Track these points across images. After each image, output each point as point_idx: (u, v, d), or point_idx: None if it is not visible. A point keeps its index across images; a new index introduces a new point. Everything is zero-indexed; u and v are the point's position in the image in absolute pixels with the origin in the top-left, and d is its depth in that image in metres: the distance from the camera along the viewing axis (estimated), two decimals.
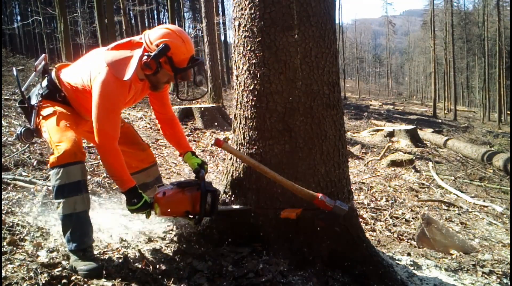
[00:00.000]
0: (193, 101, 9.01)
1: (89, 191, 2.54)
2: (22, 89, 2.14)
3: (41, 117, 2.03)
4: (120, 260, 1.87)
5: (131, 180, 1.96)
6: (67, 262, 1.82)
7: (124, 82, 1.88)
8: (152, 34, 1.92)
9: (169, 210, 1.98)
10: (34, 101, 2.09)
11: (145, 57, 1.88)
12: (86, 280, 1.70)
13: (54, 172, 1.86)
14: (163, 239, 2.19)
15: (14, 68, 2.51)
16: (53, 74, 2.12)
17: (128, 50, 1.96)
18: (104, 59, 1.91)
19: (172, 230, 2.29)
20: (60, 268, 1.73)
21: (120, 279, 1.74)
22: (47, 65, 2.21)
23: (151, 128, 6.46)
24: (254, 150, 2.08)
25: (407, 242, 3.23)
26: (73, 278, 1.69)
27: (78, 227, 1.84)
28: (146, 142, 2.53)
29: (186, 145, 2.30)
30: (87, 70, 1.96)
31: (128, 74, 1.87)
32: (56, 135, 1.93)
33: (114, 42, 2.07)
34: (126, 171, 1.96)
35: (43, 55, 2.27)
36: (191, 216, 2.00)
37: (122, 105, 2.00)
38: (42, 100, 2.06)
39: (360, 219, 3.32)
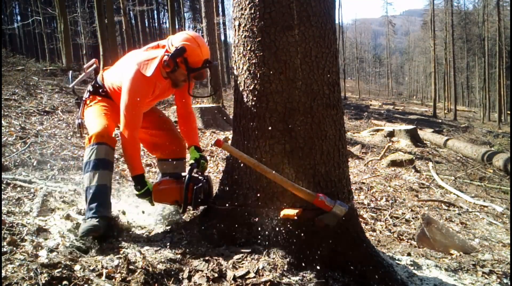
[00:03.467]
0: (195, 100, 9.09)
1: None
2: (72, 86, 2.64)
3: (86, 107, 2.46)
4: (120, 260, 1.87)
5: (141, 169, 2.30)
6: (68, 262, 1.82)
7: (149, 78, 2.21)
8: (175, 38, 2.24)
9: (161, 198, 2.31)
10: (85, 96, 2.53)
11: (165, 57, 2.20)
12: (86, 280, 1.70)
13: (87, 150, 2.20)
14: (163, 239, 2.19)
15: (70, 71, 2.95)
16: (99, 76, 2.54)
17: (156, 51, 2.31)
18: (135, 60, 2.26)
19: (172, 230, 2.30)
20: (60, 268, 1.73)
21: (120, 279, 1.74)
22: (98, 68, 2.64)
23: None
24: (254, 150, 2.08)
25: (407, 242, 3.23)
26: (73, 278, 1.69)
27: (97, 196, 2.13)
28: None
29: (194, 140, 2.56)
30: (121, 71, 2.33)
31: (150, 71, 2.20)
32: (92, 120, 2.31)
33: (147, 45, 2.45)
34: (138, 160, 2.31)
35: (94, 59, 2.71)
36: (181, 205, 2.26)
37: (146, 100, 2.31)
38: (89, 95, 2.49)
39: (360, 219, 3.32)
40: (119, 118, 2.27)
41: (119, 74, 2.35)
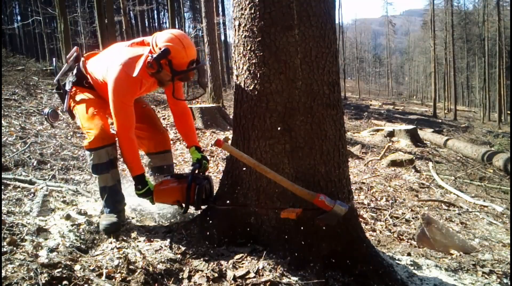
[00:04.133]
0: (192, 101, 9.09)
1: (91, 190, 2.79)
2: (57, 78, 2.53)
3: (73, 103, 2.40)
4: (120, 260, 1.87)
5: (141, 168, 2.30)
6: (68, 262, 1.82)
7: (134, 78, 2.14)
8: (159, 38, 2.13)
9: (163, 198, 2.32)
10: (67, 87, 2.44)
11: (149, 58, 2.10)
12: (86, 279, 1.70)
13: (88, 154, 2.29)
14: (163, 239, 2.19)
15: (54, 59, 2.93)
16: (81, 64, 2.44)
17: (141, 48, 2.24)
18: (119, 59, 2.18)
19: (172, 230, 2.30)
20: (60, 268, 1.73)
21: (120, 279, 1.74)
22: (79, 56, 2.53)
23: None
24: (254, 150, 2.08)
25: (407, 242, 3.23)
26: (73, 278, 1.69)
27: (110, 196, 2.34)
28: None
29: (193, 139, 2.54)
30: (105, 67, 2.26)
31: (135, 72, 2.13)
32: (86, 122, 2.29)
33: (131, 40, 2.37)
34: (137, 159, 2.30)
35: (75, 47, 2.61)
36: (183, 205, 2.26)
37: (134, 97, 2.27)
38: (73, 86, 2.42)
39: (360, 219, 3.32)
40: (108, 110, 2.26)
41: (102, 68, 2.29)
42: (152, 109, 2.73)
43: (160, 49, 2.08)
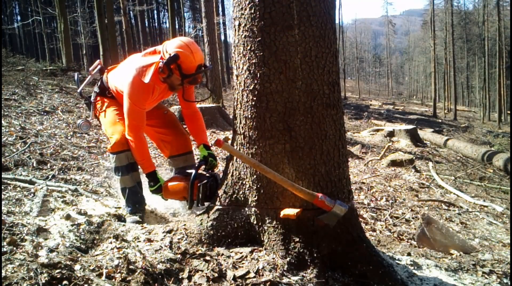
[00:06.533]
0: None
1: (91, 190, 2.84)
2: (80, 90, 2.83)
3: (98, 111, 2.65)
4: (120, 260, 1.87)
5: (151, 166, 2.46)
6: (68, 262, 1.82)
7: (146, 84, 2.33)
8: (169, 45, 2.31)
9: (171, 195, 2.41)
10: (92, 98, 2.71)
11: (160, 63, 2.29)
12: (86, 279, 1.70)
13: (110, 157, 2.54)
14: (163, 239, 2.19)
15: (76, 73, 3.15)
16: (104, 77, 2.68)
17: (153, 57, 2.40)
18: (134, 67, 2.38)
19: (172, 230, 2.29)
20: (60, 268, 1.73)
21: (120, 279, 1.74)
22: (103, 68, 2.76)
23: None
24: (254, 150, 2.08)
25: (407, 242, 3.23)
26: (73, 278, 1.69)
27: (130, 197, 2.55)
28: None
29: (202, 138, 2.66)
30: (122, 76, 2.47)
31: (147, 78, 2.32)
32: (109, 128, 2.53)
33: (145, 50, 2.56)
34: (148, 157, 2.45)
35: (98, 61, 2.84)
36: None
37: (147, 102, 2.45)
38: (97, 96, 2.67)
39: (360, 219, 3.31)
40: None
41: (121, 78, 2.48)
42: (174, 114, 2.91)
43: (170, 54, 2.25)
